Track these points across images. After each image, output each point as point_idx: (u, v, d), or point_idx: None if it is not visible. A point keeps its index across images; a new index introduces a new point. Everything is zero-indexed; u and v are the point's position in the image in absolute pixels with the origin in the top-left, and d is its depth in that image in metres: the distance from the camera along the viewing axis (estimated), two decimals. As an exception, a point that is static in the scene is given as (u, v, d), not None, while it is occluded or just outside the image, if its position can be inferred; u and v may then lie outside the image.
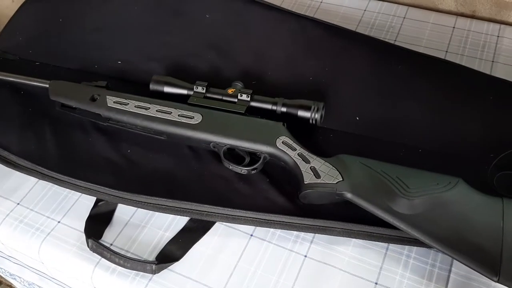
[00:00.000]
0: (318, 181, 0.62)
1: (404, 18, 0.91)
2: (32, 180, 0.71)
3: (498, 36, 0.86)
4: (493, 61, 0.82)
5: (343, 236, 0.62)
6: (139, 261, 0.60)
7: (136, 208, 0.67)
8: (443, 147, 0.68)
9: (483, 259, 0.55)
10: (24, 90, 0.79)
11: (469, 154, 0.67)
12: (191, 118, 0.69)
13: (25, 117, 0.77)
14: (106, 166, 0.69)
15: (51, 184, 0.70)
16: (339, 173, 0.62)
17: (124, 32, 0.87)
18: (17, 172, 0.71)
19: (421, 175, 0.62)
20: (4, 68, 0.80)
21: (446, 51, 0.84)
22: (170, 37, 0.85)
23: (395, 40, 0.87)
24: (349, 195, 0.60)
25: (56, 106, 0.75)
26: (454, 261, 0.59)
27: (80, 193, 0.69)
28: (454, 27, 0.88)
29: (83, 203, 0.68)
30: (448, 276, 0.58)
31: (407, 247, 0.61)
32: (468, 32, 0.87)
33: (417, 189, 0.60)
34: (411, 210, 0.58)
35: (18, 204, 0.69)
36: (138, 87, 0.76)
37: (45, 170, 0.68)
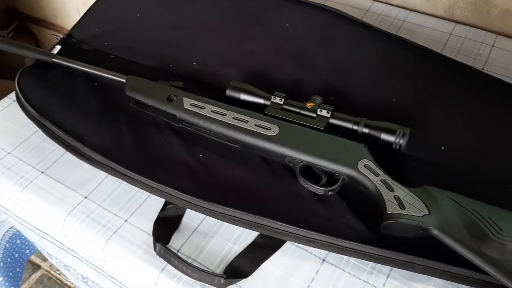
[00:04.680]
0: (403, 212, 0.58)
1: (493, 46, 0.87)
2: (101, 174, 0.70)
3: None
4: None
5: (424, 274, 0.58)
6: (207, 272, 0.58)
7: (205, 215, 0.65)
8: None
9: None
10: (99, 82, 0.79)
11: None
12: (268, 129, 0.66)
13: (100, 109, 0.75)
14: (180, 169, 0.67)
15: (120, 180, 0.69)
16: (425, 206, 0.59)
17: (203, 34, 0.86)
18: (86, 165, 0.70)
19: (514, 218, 0.58)
20: (80, 58, 0.79)
21: (539, 87, 0.79)
22: (250, 44, 0.84)
23: (482, 69, 0.82)
24: (435, 232, 0.56)
25: (130, 102, 0.73)
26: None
27: (149, 193, 0.67)
28: (547, 62, 0.83)
29: (151, 204, 0.67)
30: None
31: (492, 293, 0.57)
32: (563, 69, 0.82)
33: (510, 233, 0.55)
34: (503, 255, 0.54)
35: (85, 197, 0.68)
36: (212, 90, 0.74)
37: (118, 167, 0.67)
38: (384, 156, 0.65)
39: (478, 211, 0.58)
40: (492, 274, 0.54)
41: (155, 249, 0.61)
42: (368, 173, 0.62)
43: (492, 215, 0.57)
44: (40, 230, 0.74)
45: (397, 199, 0.59)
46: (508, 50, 0.86)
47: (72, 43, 0.87)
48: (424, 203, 0.59)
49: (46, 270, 1.40)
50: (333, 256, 0.61)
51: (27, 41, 1.74)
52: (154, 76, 0.75)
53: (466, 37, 0.89)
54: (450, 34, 0.89)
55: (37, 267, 1.42)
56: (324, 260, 0.61)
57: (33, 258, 1.43)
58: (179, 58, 0.83)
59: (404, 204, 0.59)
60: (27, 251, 0.97)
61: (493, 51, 0.86)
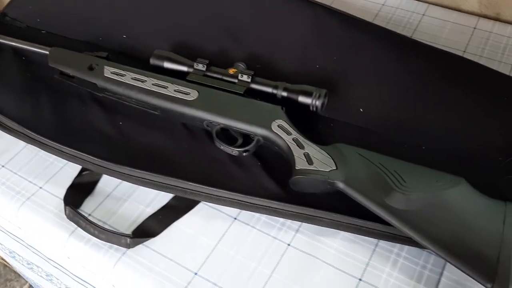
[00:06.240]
0: (310, 167, 0.58)
1: (423, 15, 0.87)
2: (20, 144, 0.70)
3: (521, 40, 0.81)
4: (513, 65, 0.77)
5: (331, 228, 0.58)
6: (114, 233, 0.58)
7: (120, 180, 0.64)
8: (449, 147, 0.64)
9: (479, 264, 0.50)
10: (26, 56, 0.78)
11: (476, 156, 0.63)
12: (187, 94, 0.66)
13: (23, 82, 0.75)
14: (95, 136, 0.67)
15: (38, 149, 0.68)
16: (334, 161, 0.59)
17: (134, 8, 0.86)
18: (7, 136, 0.70)
19: (420, 171, 0.58)
20: (12, 35, 0.78)
21: (464, 51, 0.80)
22: (181, 16, 0.84)
23: (411, 36, 0.83)
24: (341, 185, 0.57)
25: (55, 73, 0.73)
26: (447, 264, 0.55)
27: (65, 161, 0.67)
28: (475, 28, 0.84)
29: (67, 171, 0.66)
30: (439, 280, 0.54)
31: (398, 245, 0.57)
32: (489, 34, 0.83)
33: (414, 184, 0.56)
34: (405, 206, 0.54)
35: (2, 166, 0.67)
36: (141, 62, 0.74)
37: (33, 134, 0.67)
38: (304, 118, 0.65)
39: (384, 165, 0.58)
40: (395, 225, 0.54)
41: (65, 213, 0.61)
42: (281, 132, 0.62)
43: (398, 168, 0.57)
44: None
45: (306, 155, 0.59)
46: (438, 18, 0.86)
47: (6, 21, 0.87)
48: (332, 159, 0.59)
49: (3, 259, 1.38)
50: (245, 215, 0.61)
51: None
52: (82, 50, 0.75)
53: (398, 7, 0.89)
54: (383, 5, 0.90)
55: (-8, 256, 1.40)
56: (235, 218, 0.61)
57: (-12, 248, 1.41)
58: (109, 32, 0.83)
59: (313, 160, 0.59)
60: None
61: (423, 19, 0.86)
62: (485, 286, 0.49)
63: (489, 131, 0.65)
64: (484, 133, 0.65)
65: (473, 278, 0.50)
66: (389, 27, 0.84)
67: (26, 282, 1.33)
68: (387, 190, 0.55)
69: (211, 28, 0.82)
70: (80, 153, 0.65)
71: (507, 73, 0.75)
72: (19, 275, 1.34)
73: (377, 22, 0.86)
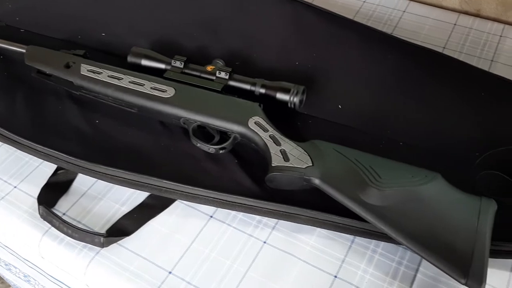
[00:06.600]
0: (287, 164, 0.58)
1: (404, 12, 0.87)
2: (-4, 144, 0.69)
3: (500, 36, 0.81)
4: (492, 60, 0.77)
5: (307, 225, 0.58)
6: (87, 232, 0.57)
7: (95, 179, 0.64)
8: (426, 142, 0.64)
9: (453, 259, 0.50)
10: (4, 55, 0.77)
11: (453, 151, 0.63)
12: (163, 91, 0.66)
13: (0, 81, 0.74)
14: (71, 135, 0.67)
15: (14, 149, 0.67)
16: (310, 158, 0.58)
17: (113, 6, 0.85)
18: (-18, 135, 0.69)
19: (396, 166, 0.57)
20: (-11, 33, 0.78)
21: (444, 47, 0.80)
22: (161, 13, 0.83)
23: (391, 33, 0.83)
24: (317, 181, 0.56)
25: (32, 72, 0.72)
26: (423, 260, 0.54)
27: (41, 160, 0.66)
28: (455, 24, 0.84)
29: (43, 171, 0.66)
30: (415, 276, 0.54)
31: (374, 241, 0.57)
32: (469, 30, 0.83)
33: (389, 179, 0.55)
34: (380, 202, 0.54)
35: (-23, 166, 0.67)
36: (120, 60, 0.73)
37: (8, 133, 0.66)
38: (283, 115, 0.65)
39: (360, 160, 0.57)
40: (370, 221, 0.53)
41: (39, 212, 0.60)
42: (257, 129, 0.61)
43: (374, 164, 0.57)
44: None
45: (283, 152, 0.59)
46: (418, 15, 0.86)
47: (-16, 20, 0.86)
48: (309, 155, 0.59)
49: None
50: (221, 213, 0.60)
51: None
52: (61, 48, 0.74)
53: (379, 4, 0.89)
54: (364, 2, 0.90)
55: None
56: (211, 216, 0.60)
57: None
58: (88, 30, 0.82)
59: (289, 157, 0.58)
60: None
61: (404, 16, 0.86)
62: (459, 282, 0.49)
63: (466, 126, 0.65)
64: (461, 129, 0.65)
65: (447, 274, 0.49)
66: (370, 24, 0.85)
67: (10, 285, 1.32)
68: (363, 186, 0.55)
69: (190, 25, 0.82)
70: (55, 151, 0.64)
71: (486, 69, 0.75)
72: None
73: (358, 19, 0.86)
